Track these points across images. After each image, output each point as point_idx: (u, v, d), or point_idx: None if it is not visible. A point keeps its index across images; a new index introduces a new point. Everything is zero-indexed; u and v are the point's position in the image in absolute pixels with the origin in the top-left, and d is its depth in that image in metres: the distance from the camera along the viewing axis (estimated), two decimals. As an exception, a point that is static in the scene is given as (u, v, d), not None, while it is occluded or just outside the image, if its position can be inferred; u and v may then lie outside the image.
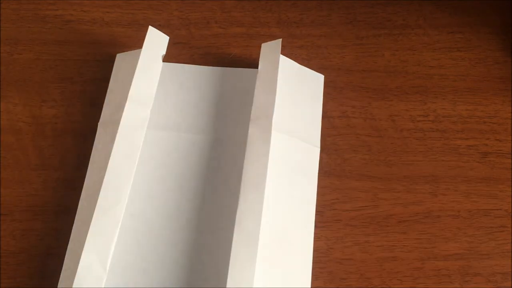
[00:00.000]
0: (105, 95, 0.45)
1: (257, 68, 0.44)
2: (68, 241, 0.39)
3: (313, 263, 0.39)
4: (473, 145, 0.45)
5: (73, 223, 0.39)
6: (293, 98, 0.44)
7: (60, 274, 0.37)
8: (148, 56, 0.44)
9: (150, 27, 0.45)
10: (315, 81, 0.46)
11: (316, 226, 0.40)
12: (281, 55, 0.44)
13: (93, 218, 0.36)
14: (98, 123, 0.43)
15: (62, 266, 0.38)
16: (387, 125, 0.45)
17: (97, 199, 0.37)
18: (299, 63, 0.46)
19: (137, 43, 0.48)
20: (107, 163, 0.39)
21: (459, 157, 0.44)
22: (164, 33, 0.46)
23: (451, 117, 0.46)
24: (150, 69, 0.44)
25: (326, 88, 0.46)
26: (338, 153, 0.44)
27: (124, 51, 0.48)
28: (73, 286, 0.34)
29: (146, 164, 0.42)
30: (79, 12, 0.51)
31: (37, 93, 0.47)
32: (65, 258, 0.38)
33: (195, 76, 0.46)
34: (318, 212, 0.41)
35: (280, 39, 0.45)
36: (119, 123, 0.40)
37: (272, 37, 0.49)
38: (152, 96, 0.43)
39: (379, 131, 0.45)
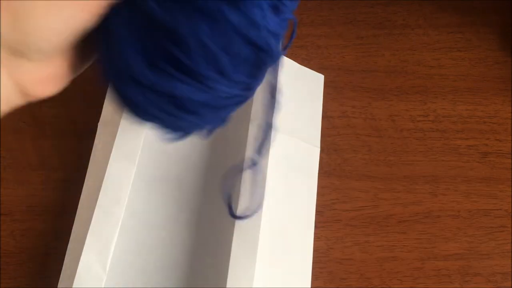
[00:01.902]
0: (105, 95, 0.45)
1: (257, 68, 0.44)
2: (68, 241, 0.39)
3: (313, 263, 0.39)
4: (473, 145, 0.45)
5: (73, 223, 0.39)
6: (293, 98, 0.44)
7: (60, 274, 0.37)
8: (148, 56, 0.44)
9: (150, 27, 0.45)
10: (315, 81, 0.46)
11: (316, 226, 0.40)
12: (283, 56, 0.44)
13: (93, 218, 0.36)
14: (98, 123, 0.43)
15: (62, 266, 0.38)
16: (387, 125, 0.45)
17: (97, 199, 0.37)
18: (299, 63, 0.46)
19: (137, 43, 0.48)
20: (107, 163, 0.39)
21: (459, 157, 0.44)
22: (164, 33, 0.46)
23: (451, 117, 0.46)
24: (150, 69, 0.44)
25: (326, 88, 0.46)
26: (338, 153, 0.44)
27: (124, 51, 0.48)
28: (73, 286, 0.34)
29: (146, 164, 0.42)
30: (79, 12, 0.51)
31: (37, 93, 0.47)
32: (65, 258, 0.38)
33: (195, 76, 0.46)
34: (318, 212, 0.41)
35: (280, 39, 0.45)
36: (119, 123, 0.40)
37: (272, 37, 0.49)
38: (152, 96, 0.43)
39: (379, 131, 0.45)
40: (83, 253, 0.35)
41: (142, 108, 0.26)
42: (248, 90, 0.28)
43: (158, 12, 0.23)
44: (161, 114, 0.26)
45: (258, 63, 0.27)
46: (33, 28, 0.23)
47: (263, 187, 0.37)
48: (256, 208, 0.36)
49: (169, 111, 0.26)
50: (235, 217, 0.36)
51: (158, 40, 0.24)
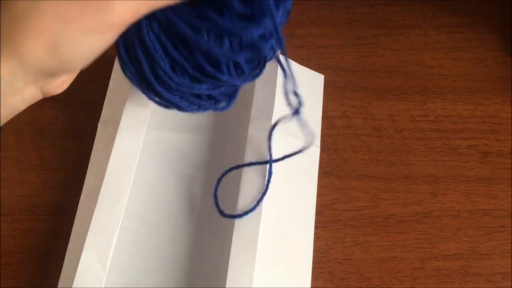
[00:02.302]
0: (105, 95, 0.45)
1: (257, 68, 0.44)
2: (68, 241, 0.39)
3: (313, 263, 0.39)
4: (473, 145, 0.45)
5: (73, 223, 0.39)
6: (293, 98, 0.44)
7: (60, 274, 0.37)
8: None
9: (150, 27, 0.45)
10: (315, 81, 0.46)
11: (316, 226, 0.40)
12: (281, 55, 0.44)
13: (93, 218, 0.36)
14: (98, 123, 0.43)
15: (62, 266, 0.38)
16: (387, 125, 0.45)
17: (97, 199, 0.37)
18: (299, 63, 0.46)
19: (137, 43, 0.48)
20: (107, 163, 0.38)
21: (459, 157, 0.44)
22: (164, 33, 0.46)
23: (451, 117, 0.46)
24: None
25: (326, 88, 0.46)
26: (338, 153, 0.44)
27: (124, 51, 0.48)
28: (73, 286, 0.34)
29: (146, 164, 0.42)
30: (79, 12, 0.51)
31: (37, 93, 0.47)
32: (65, 258, 0.38)
33: (195, 76, 0.46)
34: (318, 212, 0.41)
35: (280, 39, 0.45)
36: (119, 123, 0.40)
37: (272, 37, 0.49)
38: (152, 96, 0.43)
39: (379, 131, 0.45)
40: (83, 253, 0.35)
41: (171, 102, 0.33)
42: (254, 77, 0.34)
43: (191, 34, 0.29)
44: (184, 103, 0.33)
45: (263, 60, 0.34)
46: (72, 56, 0.27)
47: (263, 186, 0.37)
48: (252, 207, 0.36)
49: (191, 101, 0.33)
50: (226, 216, 0.37)
51: (191, 55, 0.30)
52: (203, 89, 0.31)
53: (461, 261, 0.40)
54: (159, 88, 0.31)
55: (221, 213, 0.38)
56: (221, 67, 0.30)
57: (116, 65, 0.47)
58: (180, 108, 0.33)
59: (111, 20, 0.26)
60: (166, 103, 0.34)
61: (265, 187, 0.37)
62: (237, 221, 0.36)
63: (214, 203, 0.40)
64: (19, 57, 0.25)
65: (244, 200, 0.37)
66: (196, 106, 0.33)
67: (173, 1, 0.28)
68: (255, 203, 0.36)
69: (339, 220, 0.42)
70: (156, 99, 0.33)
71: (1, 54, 0.25)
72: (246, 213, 0.36)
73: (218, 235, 0.39)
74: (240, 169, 0.38)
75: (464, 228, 0.41)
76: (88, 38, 0.26)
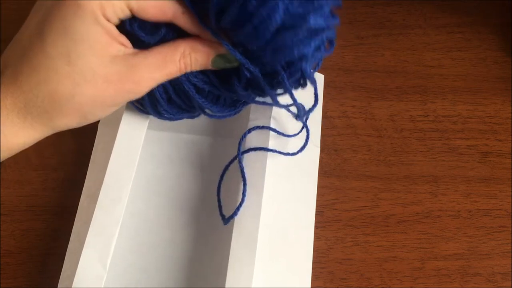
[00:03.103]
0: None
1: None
2: (68, 241, 0.38)
3: (313, 263, 0.39)
4: (473, 145, 0.45)
5: (73, 223, 0.39)
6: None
7: (60, 274, 0.37)
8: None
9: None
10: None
11: (316, 226, 0.40)
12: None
13: (93, 218, 0.36)
14: (98, 123, 0.43)
15: (62, 266, 0.38)
16: (387, 125, 0.45)
17: (97, 199, 0.37)
18: (299, 63, 0.46)
19: (137, 43, 0.48)
20: (108, 163, 0.38)
21: (459, 157, 0.44)
22: (164, 33, 0.46)
23: (451, 117, 0.46)
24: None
25: (326, 88, 0.46)
26: (338, 153, 0.44)
27: (124, 51, 0.47)
28: (73, 286, 0.34)
29: (146, 164, 0.42)
30: (79, 12, 0.51)
31: (37, 93, 0.47)
32: (65, 258, 0.38)
33: (195, 76, 0.46)
34: (318, 212, 0.41)
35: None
36: (119, 123, 0.40)
37: (272, 37, 0.49)
38: (152, 96, 0.43)
39: (379, 131, 0.45)
40: (83, 252, 0.35)
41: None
42: None
43: (195, 95, 0.34)
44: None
45: None
46: (94, 120, 0.32)
47: (263, 186, 0.37)
48: (233, 213, 0.36)
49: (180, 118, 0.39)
50: (225, 219, 0.37)
51: (188, 102, 0.36)
52: (187, 116, 0.38)
53: (461, 261, 0.40)
54: (152, 112, 0.37)
55: (222, 216, 0.38)
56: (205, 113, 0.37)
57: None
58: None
59: (136, 97, 0.31)
60: (144, 112, 0.39)
61: (242, 193, 0.37)
62: (237, 221, 0.36)
63: (213, 203, 0.40)
64: (54, 126, 0.31)
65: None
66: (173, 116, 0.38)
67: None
68: (254, 204, 0.36)
69: (339, 220, 0.42)
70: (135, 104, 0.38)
71: (38, 124, 0.30)
72: (229, 219, 0.36)
73: (218, 235, 0.39)
74: (239, 170, 0.38)
75: (464, 228, 0.41)
76: (112, 108, 0.32)
